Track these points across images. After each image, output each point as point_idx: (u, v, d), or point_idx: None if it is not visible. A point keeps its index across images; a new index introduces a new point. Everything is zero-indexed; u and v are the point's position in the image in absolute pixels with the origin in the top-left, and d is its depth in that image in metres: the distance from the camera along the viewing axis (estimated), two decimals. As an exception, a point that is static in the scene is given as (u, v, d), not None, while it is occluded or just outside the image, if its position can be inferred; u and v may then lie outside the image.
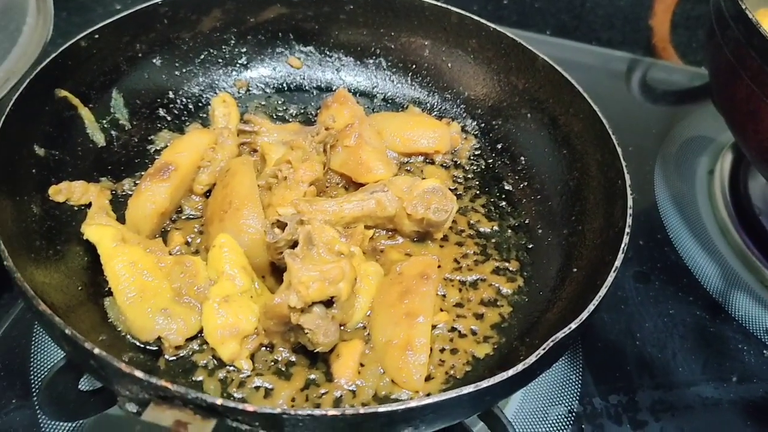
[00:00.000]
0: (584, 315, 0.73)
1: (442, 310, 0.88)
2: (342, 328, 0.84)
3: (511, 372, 0.68)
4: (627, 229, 0.82)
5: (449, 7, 1.10)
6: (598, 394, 0.97)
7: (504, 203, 1.03)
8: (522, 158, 1.06)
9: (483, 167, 1.07)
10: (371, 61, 1.17)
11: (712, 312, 1.08)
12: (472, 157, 1.08)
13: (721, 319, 1.07)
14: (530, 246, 0.97)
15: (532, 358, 0.69)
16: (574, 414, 0.94)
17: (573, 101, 0.99)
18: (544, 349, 0.70)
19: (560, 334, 0.71)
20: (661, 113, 1.48)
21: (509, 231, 0.99)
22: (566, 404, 0.95)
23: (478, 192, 1.04)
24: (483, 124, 1.11)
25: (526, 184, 1.04)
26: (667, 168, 1.29)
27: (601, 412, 0.95)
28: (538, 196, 1.01)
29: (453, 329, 0.87)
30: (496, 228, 0.99)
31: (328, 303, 0.79)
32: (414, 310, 0.84)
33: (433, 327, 0.86)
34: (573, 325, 0.72)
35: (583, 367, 0.99)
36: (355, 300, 0.85)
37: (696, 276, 1.12)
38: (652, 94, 1.51)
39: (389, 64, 1.16)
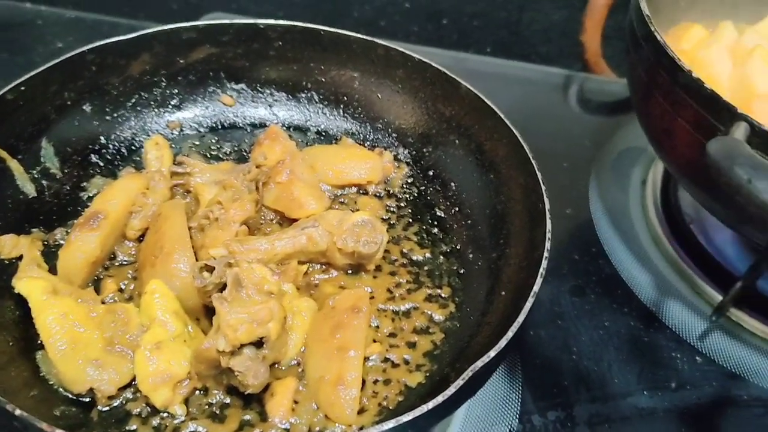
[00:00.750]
0: (503, 342, 0.75)
1: (375, 341, 0.90)
2: (276, 366, 0.85)
3: (431, 404, 0.70)
4: (546, 254, 0.85)
5: (375, 39, 1.12)
6: (537, 411, 0.99)
7: (436, 230, 1.05)
8: (452, 184, 1.08)
9: (415, 195, 1.10)
10: (303, 95, 1.18)
11: (646, 322, 1.11)
12: (404, 186, 1.11)
13: (655, 328, 1.10)
14: (461, 271, 0.99)
15: (451, 390, 0.71)
16: (513, 433, 0.96)
17: (496, 127, 1.02)
18: (463, 379, 0.72)
19: (479, 363, 0.74)
20: (600, 125, 1.51)
21: (441, 257, 1.01)
22: (506, 423, 0.97)
23: (411, 220, 1.06)
24: (414, 152, 1.14)
25: (457, 209, 1.06)
26: (602, 180, 1.32)
27: (540, 429, 0.97)
28: (468, 221, 1.04)
29: (386, 359, 0.89)
30: (428, 255, 1.01)
31: (259, 344, 0.80)
32: (345, 344, 0.85)
33: (366, 359, 0.88)
34: (492, 353, 0.74)
35: (522, 384, 1.01)
36: (288, 337, 0.86)
37: (630, 287, 1.15)
38: (589, 106, 1.55)
39: (321, 97, 1.18)
